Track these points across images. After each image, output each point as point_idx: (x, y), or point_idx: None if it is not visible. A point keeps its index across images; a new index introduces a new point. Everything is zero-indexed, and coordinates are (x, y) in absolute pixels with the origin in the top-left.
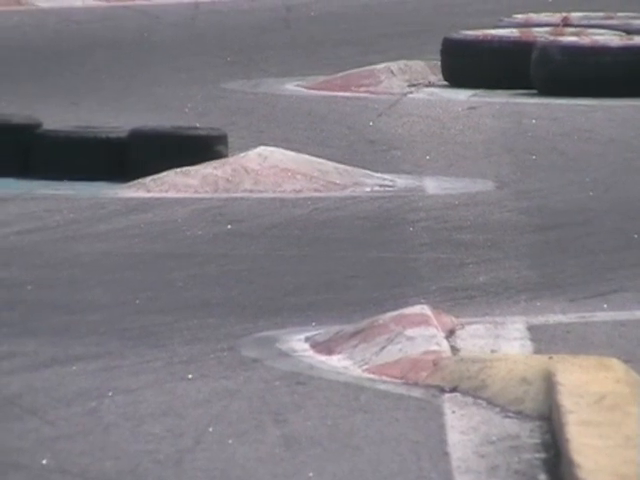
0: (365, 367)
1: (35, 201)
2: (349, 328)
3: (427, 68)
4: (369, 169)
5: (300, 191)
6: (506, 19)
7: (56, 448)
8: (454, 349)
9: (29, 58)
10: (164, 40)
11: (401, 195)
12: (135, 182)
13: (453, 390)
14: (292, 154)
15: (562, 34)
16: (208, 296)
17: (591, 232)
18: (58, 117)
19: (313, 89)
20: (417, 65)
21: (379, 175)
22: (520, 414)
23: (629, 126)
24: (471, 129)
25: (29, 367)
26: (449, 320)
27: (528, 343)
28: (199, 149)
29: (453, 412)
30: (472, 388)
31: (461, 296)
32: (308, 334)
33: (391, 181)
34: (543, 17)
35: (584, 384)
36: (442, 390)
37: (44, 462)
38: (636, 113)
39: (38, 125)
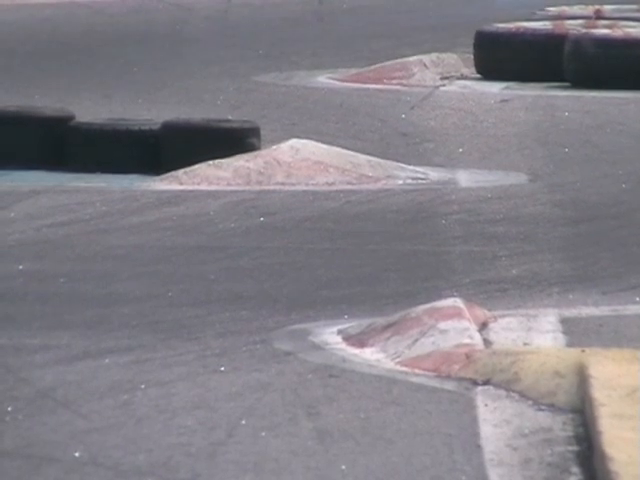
0: (398, 360)
1: (67, 193)
2: (382, 321)
3: (460, 61)
4: (402, 162)
5: (332, 184)
6: (539, 12)
7: (89, 441)
8: (487, 342)
9: (62, 51)
10: (196, 33)
11: (434, 188)
12: (167, 175)
13: (486, 383)
14: (324, 147)
15: (595, 27)
16: (240, 289)
17: (624, 225)
18: (91, 110)
19: (345, 81)
20: (450, 58)
21: (412, 168)
22: (553, 407)
23: None
24: (504, 122)
25: (62, 360)
26: (482, 313)
27: (561, 336)
28: (231, 142)
29: (486, 405)
30: (505, 381)
31: (494, 289)
32: (341, 327)
33: (424, 174)
34: (576, 10)
35: (616, 377)
36: (475, 383)
37: (77, 455)
38: None
39: (71, 118)
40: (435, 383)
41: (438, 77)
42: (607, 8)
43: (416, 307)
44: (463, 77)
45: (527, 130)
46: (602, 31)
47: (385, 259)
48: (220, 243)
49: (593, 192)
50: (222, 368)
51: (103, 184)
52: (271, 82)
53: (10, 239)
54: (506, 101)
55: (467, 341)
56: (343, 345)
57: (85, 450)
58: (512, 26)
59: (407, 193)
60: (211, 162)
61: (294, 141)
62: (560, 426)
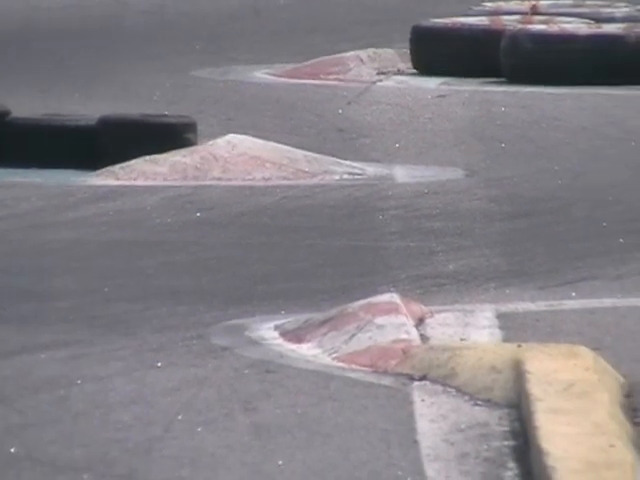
0: (334, 355)
1: (3, 189)
2: (318, 316)
3: (396, 56)
4: (338, 157)
5: (269, 179)
6: (475, 7)
7: (25, 436)
8: (423, 337)
9: None
10: (133, 27)
11: (370, 183)
12: (104, 170)
13: (422, 378)
14: (261, 142)
15: (531, 22)
16: (177, 284)
17: (560, 220)
18: (26, 105)
19: (282, 77)
20: (386, 53)
21: (348, 163)
22: (489, 402)
23: (598, 114)
24: (440, 117)
25: None
26: (418, 308)
27: (497, 331)
28: (168, 137)
29: (422, 400)
30: (441, 376)
31: (430, 284)
32: (277, 322)
33: (360, 169)
34: (512, 5)
35: (553, 372)
36: (411, 378)
37: (12, 450)
38: (605, 101)
39: (6, 113)
40: (372, 378)
41: (375, 72)
42: (543, 4)
43: (353, 302)
44: (400, 72)
45: (463, 125)
46: (538, 27)
47: (322, 254)
48: (157, 238)
49: (529, 187)
50: (159, 363)
51: (39, 179)
52: (208, 77)
53: None
54: (443, 96)
55: (404, 336)
56: (280, 340)
57: (21, 445)
58: (449, 21)
59: (344, 188)
60: (147, 157)
61: (231, 136)
62: (497, 421)
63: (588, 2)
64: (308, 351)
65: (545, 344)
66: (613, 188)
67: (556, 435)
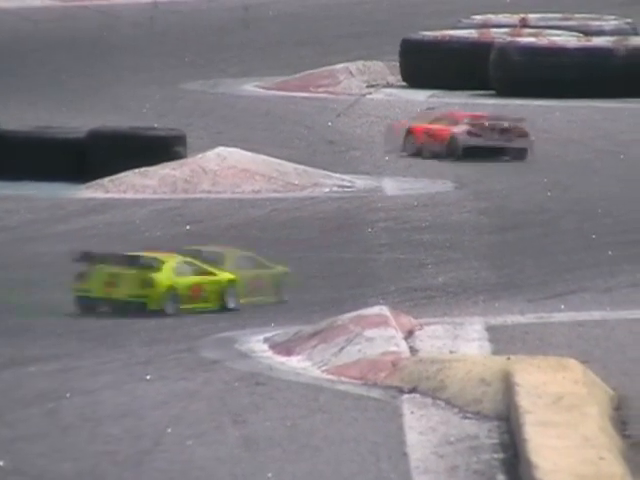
0: (324, 368)
1: None
2: (308, 329)
3: (386, 69)
4: (328, 170)
5: (259, 192)
6: (465, 20)
7: (14, 449)
8: (413, 350)
9: None
10: (123, 40)
11: (360, 196)
12: (93, 183)
13: (412, 391)
14: (251, 155)
15: (520, 35)
16: None
17: (550, 233)
18: (16, 117)
19: (271, 89)
20: (376, 66)
21: (338, 176)
22: (478, 414)
23: (587, 127)
24: None
25: None
26: (408, 321)
27: (486, 344)
28: (157, 150)
29: (412, 413)
30: (431, 389)
31: (420, 296)
32: (267, 335)
33: (350, 182)
34: (501, 18)
35: (542, 385)
36: (401, 391)
37: (1, 464)
38: (594, 114)
39: None
40: (361, 391)
41: (364, 85)
42: (532, 17)
43: (342, 315)
44: (389, 85)
45: None
46: (527, 39)
47: (311, 267)
48: (146, 251)
49: (518, 200)
50: (148, 376)
51: (29, 192)
52: (198, 90)
53: None
54: (432, 109)
55: (393, 349)
56: (270, 353)
57: (10, 459)
58: (438, 34)
59: (333, 201)
60: (137, 170)
61: (220, 149)
62: (486, 433)
63: (577, 15)
64: (298, 364)
65: (534, 357)
66: (602, 201)
67: (545, 448)
